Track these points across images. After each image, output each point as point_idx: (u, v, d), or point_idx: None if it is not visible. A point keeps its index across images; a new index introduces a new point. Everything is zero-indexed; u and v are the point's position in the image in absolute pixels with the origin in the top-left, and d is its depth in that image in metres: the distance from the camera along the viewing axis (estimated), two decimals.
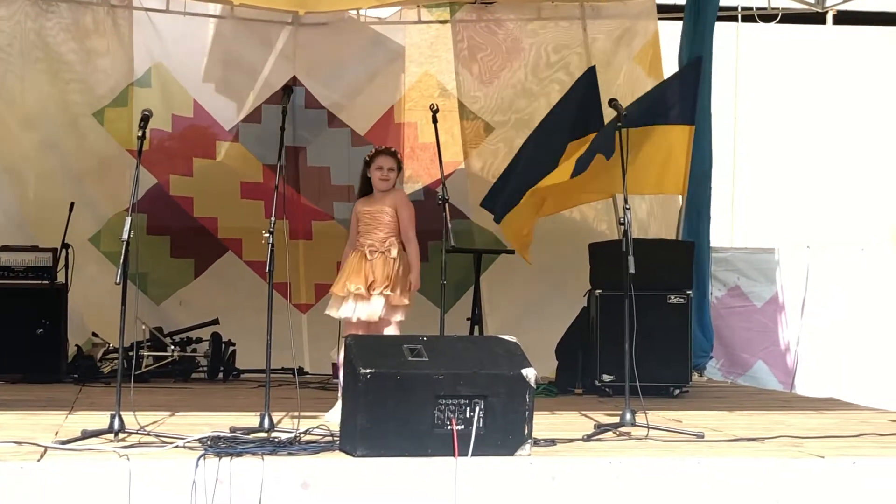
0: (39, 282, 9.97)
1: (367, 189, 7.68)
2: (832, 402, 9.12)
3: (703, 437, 6.56)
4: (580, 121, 10.00)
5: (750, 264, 11.56)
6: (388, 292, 7.36)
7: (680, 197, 10.55)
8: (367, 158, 7.66)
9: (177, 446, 5.78)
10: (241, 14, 11.70)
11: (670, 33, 11.18)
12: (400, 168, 7.72)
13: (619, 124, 7.33)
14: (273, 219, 6.65)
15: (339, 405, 6.55)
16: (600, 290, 9.35)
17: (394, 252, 7.46)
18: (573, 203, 10.60)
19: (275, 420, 6.45)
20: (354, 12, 11.96)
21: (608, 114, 9.27)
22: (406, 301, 7.48)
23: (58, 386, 9.46)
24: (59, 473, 5.30)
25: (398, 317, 7.45)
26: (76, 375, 9.86)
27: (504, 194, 10.27)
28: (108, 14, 11.31)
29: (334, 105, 11.91)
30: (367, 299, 7.35)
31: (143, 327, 10.12)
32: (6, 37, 10.99)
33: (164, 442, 5.89)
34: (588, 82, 10.39)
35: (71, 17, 11.23)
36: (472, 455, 5.56)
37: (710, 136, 10.28)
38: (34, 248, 10.09)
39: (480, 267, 10.38)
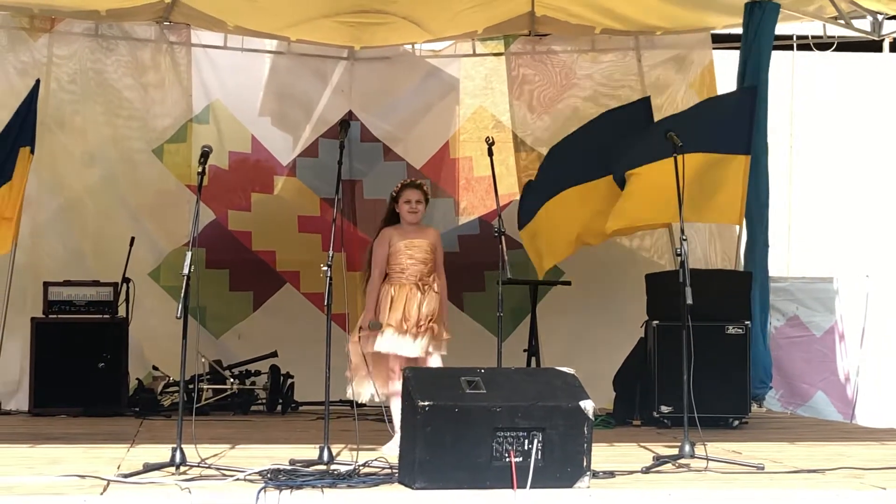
0: (101, 316, 10.11)
1: (392, 221, 7.68)
2: (894, 433, 9.02)
3: (763, 468, 6.52)
4: (633, 152, 9.93)
5: (808, 294, 11.47)
6: (434, 326, 7.47)
7: (737, 227, 10.52)
8: (394, 193, 7.67)
9: (237, 479, 5.83)
10: (298, 49, 11.83)
11: (728, 63, 11.16)
12: (427, 201, 7.72)
13: (675, 154, 7.31)
14: (331, 252, 6.69)
15: (396, 437, 6.58)
16: (657, 321, 9.32)
17: (436, 287, 7.55)
18: (629, 231, 10.52)
19: (334, 452, 6.48)
20: (409, 46, 12.06)
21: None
22: (447, 336, 7.57)
23: (119, 419, 9.55)
24: None
25: (443, 351, 7.54)
26: (137, 409, 9.96)
27: (527, 201, 10.27)
28: (167, 51, 11.46)
29: (390, 138, 11.99)
30: (433, 339, 7.46)
31: (203, 360, 10.19)
32: (68, 74, 11.16)
33: (224, 475, 5.94)
34: (643, 112, 10.38)
35: (130, 55, 11.38)
36: (531, 487, 5.56)
37: (766, 165, 10.23)
38: (95, 283, 10.22)
39: (537, 296, 10.40)
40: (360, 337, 7.48)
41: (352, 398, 7.52)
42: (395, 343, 7.45)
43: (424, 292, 7.49)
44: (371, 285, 7.58)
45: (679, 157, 7.20)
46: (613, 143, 10.01)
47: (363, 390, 7.57)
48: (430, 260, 7.58)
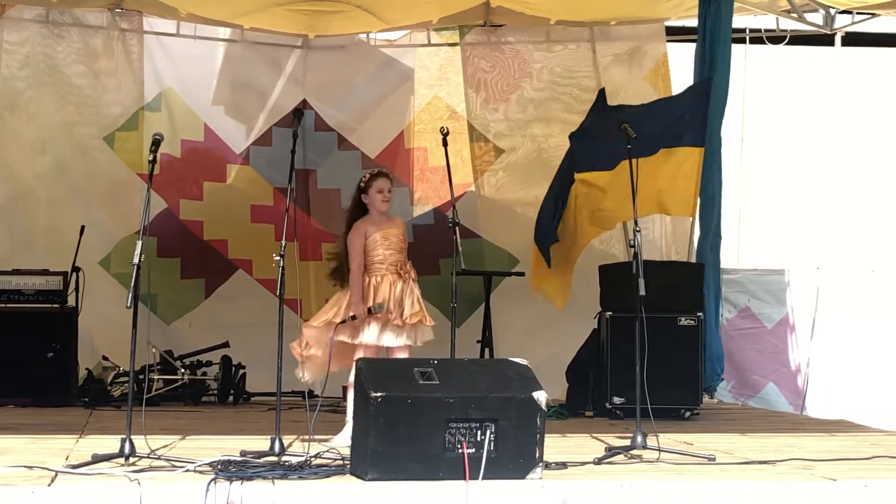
0: (50, 305, 9.98)
1: (359, 213, 7.63)
2: (843, 424, 9.09)
3: (714, 459, 6.54)
4: (594, 152, 9.98)
5: (760, 286, 11.54)
6: (425, 316, 7.44)
7: (690, 219, 10.55)
8: (363, 184, 7.57)
9: (187, 470, 5.77)
10: (251, 37, 11.77)
11: (683, 56, 11.20)
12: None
13: (629, 147, 7.32)
14: (284, 241, 6.65)
15: (348, 428, 6.55)
16: (611, 312, 9.34)
17: (414, 275, 7.50)
18: (588, 237, 10.54)
19: (285, 444, 6.44)
20: (364, 35, 12.02)
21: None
22: (431, 322, 7.51)
23: (68, 410, 9.46)
24: (70, 498, 5.30)
25: (428, 336, 7.48)
26: (86, 399, 9.86)
27: (541, 233, 10.33)
28: (119, 39, 11.36)
29: (344, 128, 11.95)
30: (414, 327, 7.38)
31: (154, 350, 10.12)
32: (18, 61, 11.05)
33: (174, 466, 5.89)
34: (599, 106, 10.42)
35: (81, 42, 11.28)
36: (483, 478, 5.55)
37: (719, 157, 10.27)
38: (44, 272, 10.09)
39: (491, 286, 10.42)
40: (343, 322, 7.38)
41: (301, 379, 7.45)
42: (381, 334, 7.39)
43: (405, 280, 7.45)
44: (354, 277, 7.47)
45: (634, 161, 7.22)
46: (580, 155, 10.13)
47: (312, 375, 7.49)
48: (404, 248, 7.55)
